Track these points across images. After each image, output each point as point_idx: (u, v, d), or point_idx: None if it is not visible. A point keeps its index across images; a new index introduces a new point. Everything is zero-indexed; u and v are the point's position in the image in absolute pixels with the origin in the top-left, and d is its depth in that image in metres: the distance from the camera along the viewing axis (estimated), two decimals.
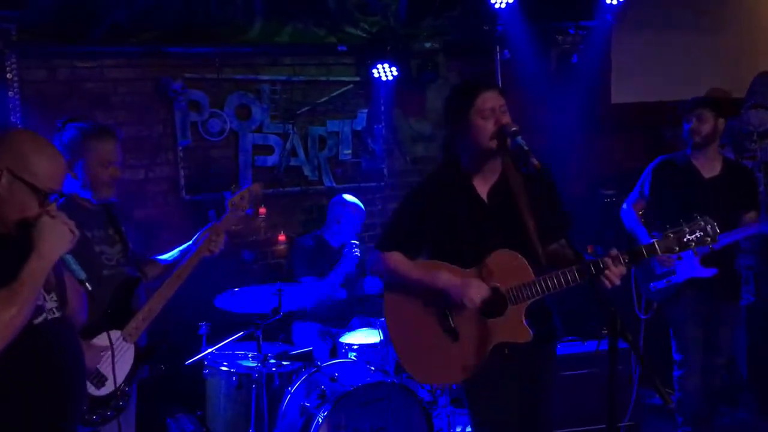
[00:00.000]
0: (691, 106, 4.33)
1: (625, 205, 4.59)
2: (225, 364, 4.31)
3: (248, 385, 4.14)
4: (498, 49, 6.01)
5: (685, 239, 2.83)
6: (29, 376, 2.22)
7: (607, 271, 2.79)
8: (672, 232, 2.84)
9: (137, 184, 5.26)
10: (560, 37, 6.07)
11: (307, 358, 4.56)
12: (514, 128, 2.86)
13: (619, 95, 6.42)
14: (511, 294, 2.95)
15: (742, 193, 4.33)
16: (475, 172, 3.05)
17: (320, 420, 3.91)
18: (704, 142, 4.30)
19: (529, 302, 2.95)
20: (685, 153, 4.42)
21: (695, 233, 2.82)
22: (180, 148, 5.37)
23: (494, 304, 2.97)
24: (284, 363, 4.31)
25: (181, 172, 5.38)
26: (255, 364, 4.19)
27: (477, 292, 2.91)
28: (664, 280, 4.31)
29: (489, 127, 2.91)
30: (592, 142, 6.20)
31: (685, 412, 4.39)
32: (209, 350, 4.31)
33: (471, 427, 3.17)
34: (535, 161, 2.74)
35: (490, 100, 2.93)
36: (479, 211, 3.03)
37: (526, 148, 2.79)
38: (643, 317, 4.52)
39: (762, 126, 5.65)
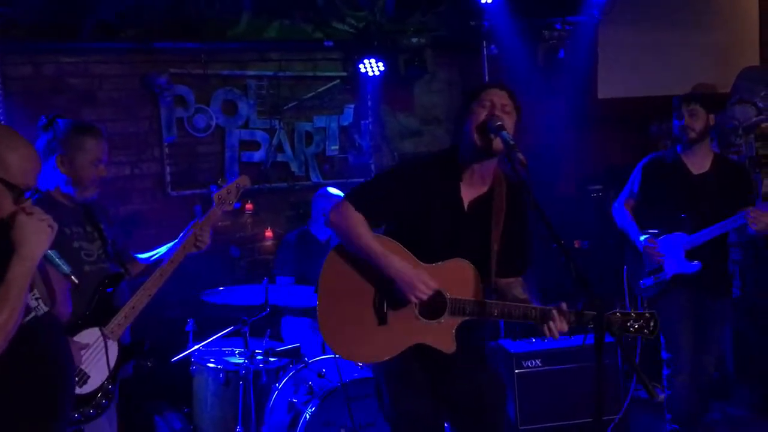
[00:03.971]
0: (683, 103, 4.26)
1: (616, 203, 4.58)
2: (212, 360, 4.29)
3: (235, 382, 4.12)
4: (485, 45, 6.02)
5: (628, 323, 2.90)
6: (21, 374, 2.20)
7: (551, 323, 2.81)
8: (620, 313, 2.91)
9: (123, 180, 5.25)
10: (547, 33, 6.06)
11: (294, 354, 4.55)
12: (498, 123, 2.86)
13: (606, 90, 6.44)
14: (454, 304, 2.94)
15: (734, 190, 4.29)
16: (466, 174, 3.01)
17: (308, 416, 3.90)
18: (698, 138, 4.24)
19: (466, 318, 2.95)
20: (674, 150, 4.39)
21: (639, 322, 2.89)
22: (166, 144, 5.35)
23: (432, 307, 2.96)
24: (271, 359, 4.30)
25: (167, 168, 5.36)
26: (242, 361, 4.18)
27: (425, 290, 2.87)
28: (652, 278, 4.31)
29: (480, 116, 2.91)
30: (578, 137, 6.22)
31: (675, 410, 4.39)
32: (196, 347, 4.29)
33: (385, 417, 3.10)
34: (520, 156, 2.73)
35: (494, 94, 2.95)
36: (455, 216, 3.01)
37: (511, 142, 2.78)
38: None
39: (747, 121, 5.68)
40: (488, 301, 2.94)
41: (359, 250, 2.92)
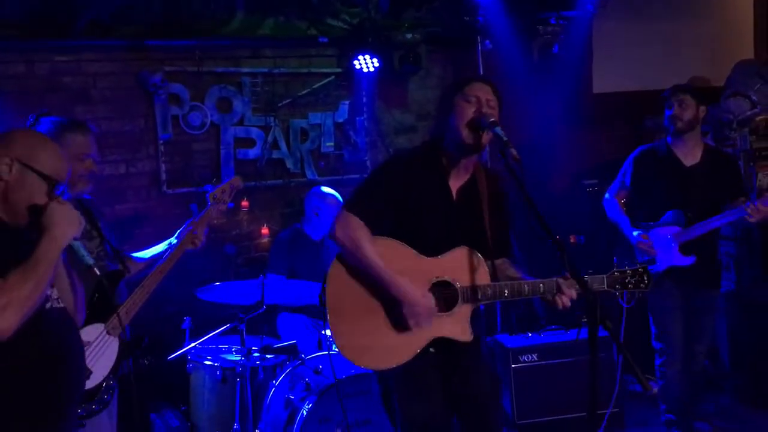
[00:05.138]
0: (673, 92, 4.33)
1: (607, 195, 4.60)
2: (209, 358, 4.30)
3: (232, 379, 4.13)
4: (479, 40, 6.01)
5: (626, 280, 3.08)
6: (37, 358, 2.26)
7: (564, 292, 2.93)
8: (618, 272, 3.08)
9: (118, 178, 5.24)
10: (541, 28, 6.06)
11: (291, 351, 4.55)
12: (492, 119, 2.87)
13: (601, 85, 6.44)
14: (465, 292, 2.98)
15: (725, 181, 4.33)
16: (450, 166, 3.05)
17: (305, 413, 3.91)
18: (685, 128, 4.30)
19: (479, 303, 3.00)
20: (665, 141, 4.43)
21: (635, 278, 3.09)
22: (161, 142, 5.34)
23: (445, 299, 2.99)
24: (268, 356, 4.31)
25: (162, 166, 5.35)
26: (239, 358, 4.19)
27: (426, 316, 2.93)
28: None
29: (468, 113, 2.93)
30: (573, 132, 6.23)
31: (668, 400, 4.42)
32: (193, 344, 4.30)
33: (397, 423, 3.09)
34: (514, 152, 2.74)
35: (479, 89, 2.97)
36: (447, 207, 3.05)
37: (505, 138, 2.79)
38: (625, 306, 4.54)
39: (741, 114, 5.68)
40: (498, 282, 3.00)
41: (366, 269, 2.93)
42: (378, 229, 2.98)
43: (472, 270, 3.00)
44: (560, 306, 2.93)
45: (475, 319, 3.11)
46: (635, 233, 4.34)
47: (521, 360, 4.84)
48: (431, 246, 3.00)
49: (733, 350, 5.46)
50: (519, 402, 4.80)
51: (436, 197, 3.03)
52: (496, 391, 3.31)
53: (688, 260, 4.21)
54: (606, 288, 3.03)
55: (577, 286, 2.89)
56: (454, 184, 3.07)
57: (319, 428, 3.94)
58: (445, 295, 3.00)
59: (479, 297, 2.99)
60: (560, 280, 2.93)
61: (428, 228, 3.01)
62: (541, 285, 2.96)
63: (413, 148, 3.25)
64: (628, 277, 3.06)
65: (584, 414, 4.62)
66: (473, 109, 2.93)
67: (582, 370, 4.72)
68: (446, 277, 3.00)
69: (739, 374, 5.40)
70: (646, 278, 3.07)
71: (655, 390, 4.49)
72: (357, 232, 2.92)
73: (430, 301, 2.95)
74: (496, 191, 3.14)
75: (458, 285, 2.99)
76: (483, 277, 3.01)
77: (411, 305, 2.91)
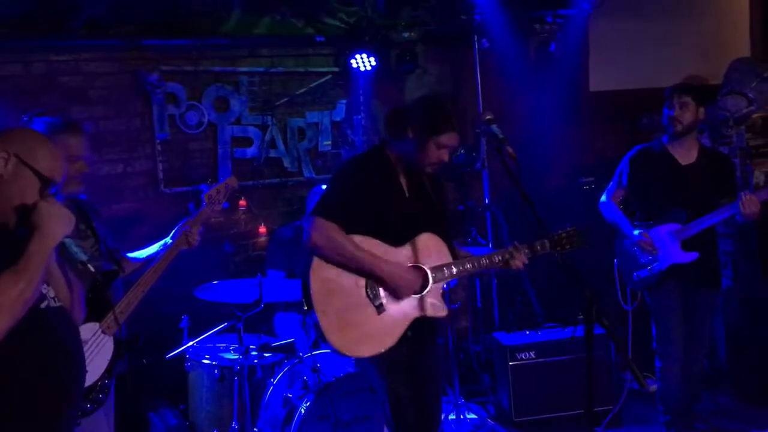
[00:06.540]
0: (675, 93, 4.27)
1: (604, 197, 4.57)
2: (207, 356, 4.31)
3: (230, 378, 4.14)
4: (476, 39, 6.02)
5: (563, 242, 3.43)
6: (34, 358, 2.26)
7: (515, 257, 3.33)
8: (556, 236, 3.42)
9: (115, 178, 5.23)
10: (538, 26, 6.06)
11: (289, 350, 4.56)
12: (488, 117, 2.90)
13: (597, 83, 6.45)
14: (435, 272, 3.27)
15: (720, 180, 4.33)
16: (398, 164, 3.35)
17: (303, 411, 3.93)
18: (684, 131, 4.28)
19: (448, 280, 3.29)
20: (661, 141, 4.42)
21: (570, 239, 3.45)
22: (158, 141, 5.33)
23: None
24: (266, 354, 4.32)
25: (160, 166, 5.35)
26: (237, 357, 4.19)
27: (414, 286, 3.23)
28: (647, 269, 4.32)
29: (433, 157, 3.24)
30: (570, 130, 6.23)
31: (667, 401, 4.42)
32: (190, 343, 4.30)
33: (386, 399, 3.31)
34: (509, 149, 2.77)
35: (451, 140, 3.24)
36: (402, 199, 3.35)
37: (501, 136, 2.83)
38: (629, 308, 4.55)
39: (738, 112, 5.69)
40: (460, 259, 3.34)
41: (347, 262, 3.16)
42: (347, 229, 3.19)
43: (437, 251, 3.33)
44: (514, 268, 3.34)
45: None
46: (636, 232, 4.33)
47: (519, 357, 4.86)
48: (396, 237, 3.25)
49: (730, 347, 5.47)
50: (516, 399, 4.82)
51: (391, 193, 3.33)
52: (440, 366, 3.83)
53: (690, 256, 4.20)
54: (549, 249, 3.37)
55: (527, 251, 3.35)
56: (403, 179, 3.38)
57: (317, 426, 3.95)
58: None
59: (446, 274, 3.29)
60: (511, 249, 3.34)
61: (391, 221, 3.28)
62: (496, 256, 3.36)
63: (365, 153, 3.57)
64: (564, 240, 3.42)
65: (581, 411, 4.66)
66: (437, 156, 3.23)
67: (579, 367, 4.73)
68: (417, 262, 3.25)
69: (737, 372, 5.41)
70: (581, 238, 3.44)
71: (653, 388, 4.49)
72: (331, 231, 3.14)
73: (410, 274, 3.23)
74: (435, 182, 3.47)
75: (427, 267, 3.26)
76: (446, 257, 3.34)
77: (399, 286, 3.18)
